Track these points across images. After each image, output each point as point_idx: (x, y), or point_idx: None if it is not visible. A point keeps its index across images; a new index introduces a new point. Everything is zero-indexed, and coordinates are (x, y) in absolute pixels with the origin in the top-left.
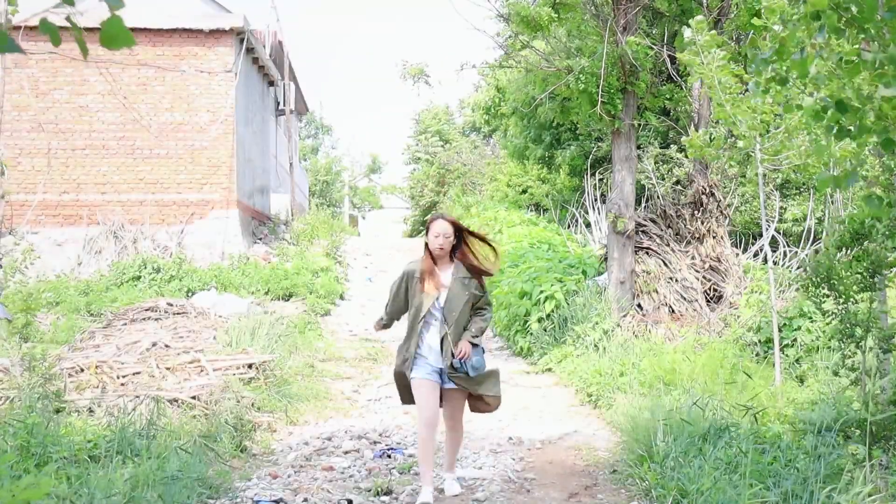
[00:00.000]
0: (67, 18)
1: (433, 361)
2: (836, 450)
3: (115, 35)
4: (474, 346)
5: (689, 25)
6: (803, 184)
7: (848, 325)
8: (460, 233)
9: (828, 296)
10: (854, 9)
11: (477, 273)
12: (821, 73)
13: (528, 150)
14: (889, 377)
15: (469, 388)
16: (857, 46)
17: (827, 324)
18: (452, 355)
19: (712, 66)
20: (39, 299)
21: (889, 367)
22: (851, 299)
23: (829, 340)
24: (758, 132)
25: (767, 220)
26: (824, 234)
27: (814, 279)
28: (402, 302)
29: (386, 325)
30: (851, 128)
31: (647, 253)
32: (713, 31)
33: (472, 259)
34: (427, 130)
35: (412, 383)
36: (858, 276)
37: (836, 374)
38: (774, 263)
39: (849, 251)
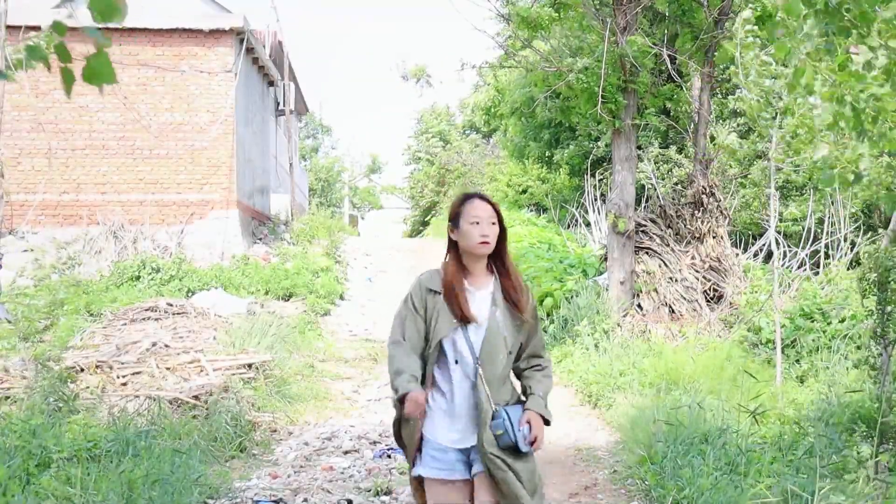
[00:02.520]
0: (56, 47)
1: (451, 439)
2: (839, 449)
3: (99, 72)
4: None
5: (736, 16)
6: (804, 185)
7: (886, 325)
8: (502, 228)
9: (874, 293)
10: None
11: (513, 304)
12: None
13: (528, 149)
14: None
15: (502, 481)
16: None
17: (853, 317)
18: (491, 414)
19: (749, 65)
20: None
21: None
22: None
23: (857, 338)
24: (780, 133)
25: (771, 220)
26: (825, 233)
27: (868, 275)
28: (422, 336)
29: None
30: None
31: (648, 253)
32: (754, 28)
33: (512, 287)
34: (428, 131)
35: (420, 486)
36: None
37: (862, 368)
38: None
39: None
